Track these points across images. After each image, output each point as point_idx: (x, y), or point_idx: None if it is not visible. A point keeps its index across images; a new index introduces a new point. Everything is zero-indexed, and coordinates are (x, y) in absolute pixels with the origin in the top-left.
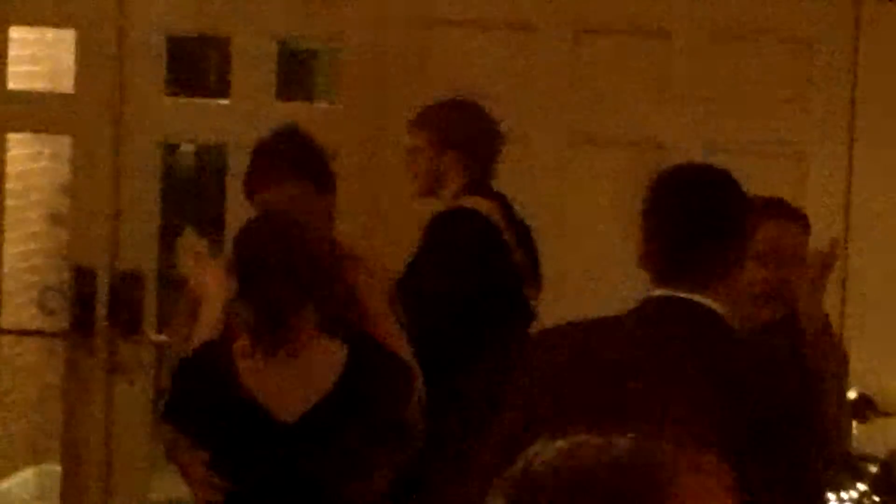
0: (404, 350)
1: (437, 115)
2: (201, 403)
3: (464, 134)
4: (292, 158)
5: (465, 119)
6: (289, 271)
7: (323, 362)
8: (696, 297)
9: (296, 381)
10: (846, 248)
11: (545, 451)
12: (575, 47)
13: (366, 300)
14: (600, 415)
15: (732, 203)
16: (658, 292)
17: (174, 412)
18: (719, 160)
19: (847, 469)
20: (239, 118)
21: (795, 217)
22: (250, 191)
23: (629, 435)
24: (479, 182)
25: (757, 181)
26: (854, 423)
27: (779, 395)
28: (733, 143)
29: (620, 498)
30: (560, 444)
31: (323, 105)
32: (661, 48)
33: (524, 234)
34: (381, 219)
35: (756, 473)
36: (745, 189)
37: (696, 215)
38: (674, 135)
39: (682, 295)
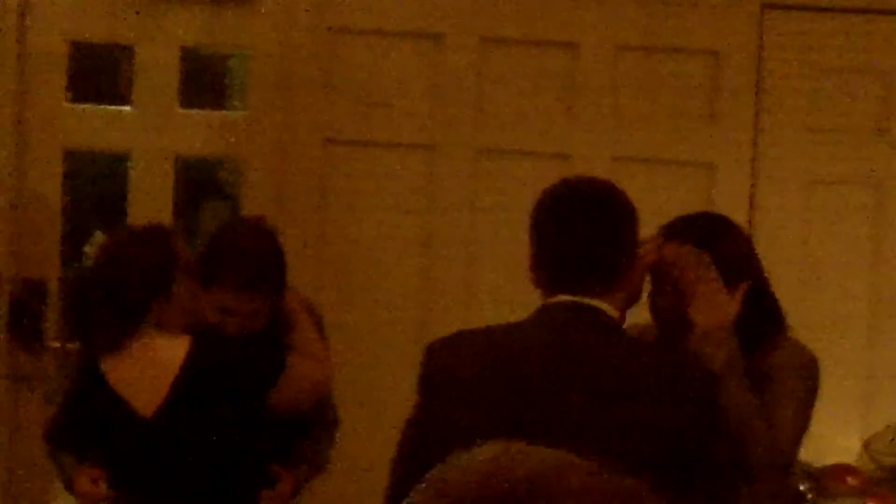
0: (315, 344)
1: None
2: (77, 414)
3: None
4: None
5: None
6: (141, 273)
7: (165, 354)
8: (595, 303)
9: (147, 375)
10: None
11: (464, 461)
12: (481, 58)
13: (292, 307)
14: (502, 424)
15: (623, 213)
16: (558, 299)
17: (54, 432)
18: (627, 171)
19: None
20: (141, 126)
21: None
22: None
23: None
24: None
25: (664, 192)
26: None
27: (688, 400)
28: (640, 155)
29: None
30: (482, 452)
31: (229, 112)
32: (568, 60)
33: None
34: (285, 226)
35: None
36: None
37: (598, 226)
38: (581, 147)
39: (582, 300)
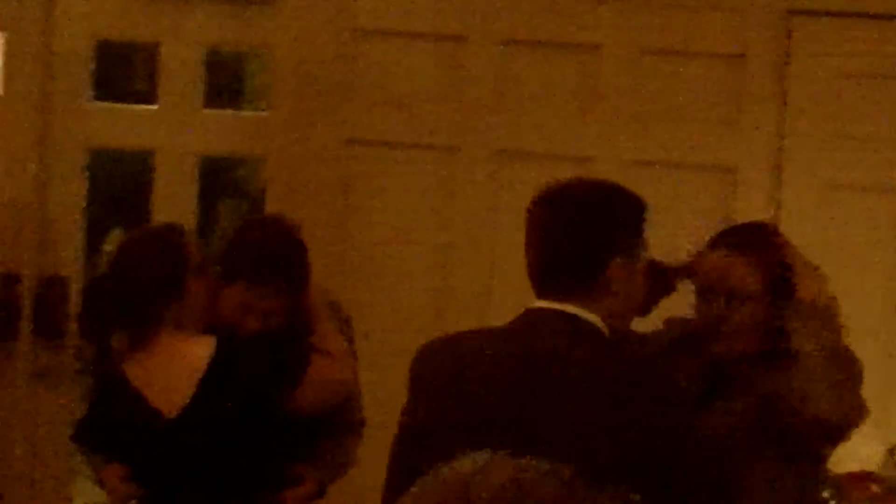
0: (337, 345)
1: None
2: (103, 415)
3: None
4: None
5: None
6: (152, 276)
7: (191, 355)
8: (571, 308)
9: (170, 376)
10: None
11: (446, 471)
12: (503, 59)
13: (315, 307)
14: (474, 428)
15: (607, 217)
16: (537, 304)
17: (82, 432)
18: (648, 175)
19: None
20: (166, 125)
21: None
22: None
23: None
24: None
25: (686, 197)
26: None
27: (658, 409)
28: (662, 159)
29: None
30: (463, 462)
31: (252, 112)
32: (590, 62)
33: None
34: (307, 225)
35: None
36: (634, 204)
37: (567, 230)
38: (602, 150)
39: (558, 306)
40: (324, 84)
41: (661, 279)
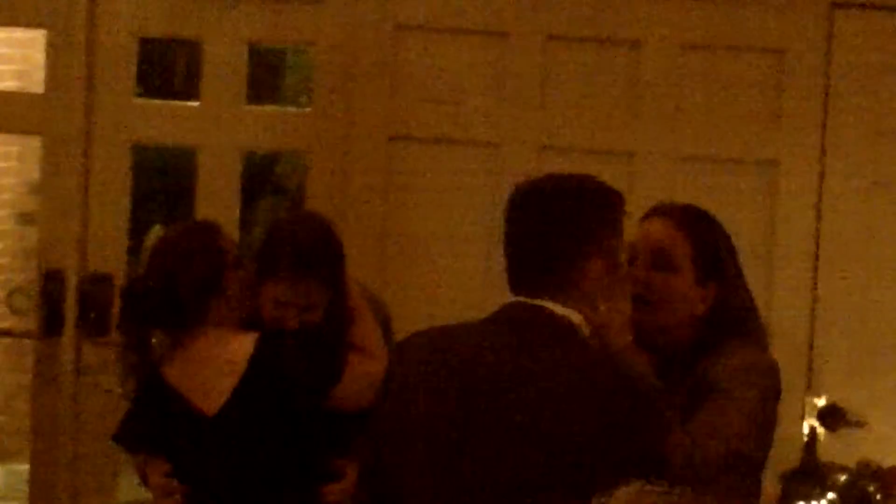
0: (375, 341)
1: None
2: (143, 416)
3: None
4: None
5: None
6: (191, 274)
7: (231, 353)
8: (543, 303)
9: (210, 374)
10: (816, 259)
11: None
12: (545, 55)
13: (354, 303)
14: (436, 422)
15: (577, 212)
16: (512, 299)
17: (123, 434)
18: (691, 170)
19: (815, 478)
20: (209, 121)
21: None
22: None
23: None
24: None
25: (729, 191)
26: (823, 432)
27: (603, 410)
28: (705, 154)
29: None
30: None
31: (293, 109)
32: (632, 57)
33: None
34: (349, 223)
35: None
36: (607, 201)
37: (535, 227)
38: (645, 145)
39: (530, 301)
40: (366, 80)
41: None
